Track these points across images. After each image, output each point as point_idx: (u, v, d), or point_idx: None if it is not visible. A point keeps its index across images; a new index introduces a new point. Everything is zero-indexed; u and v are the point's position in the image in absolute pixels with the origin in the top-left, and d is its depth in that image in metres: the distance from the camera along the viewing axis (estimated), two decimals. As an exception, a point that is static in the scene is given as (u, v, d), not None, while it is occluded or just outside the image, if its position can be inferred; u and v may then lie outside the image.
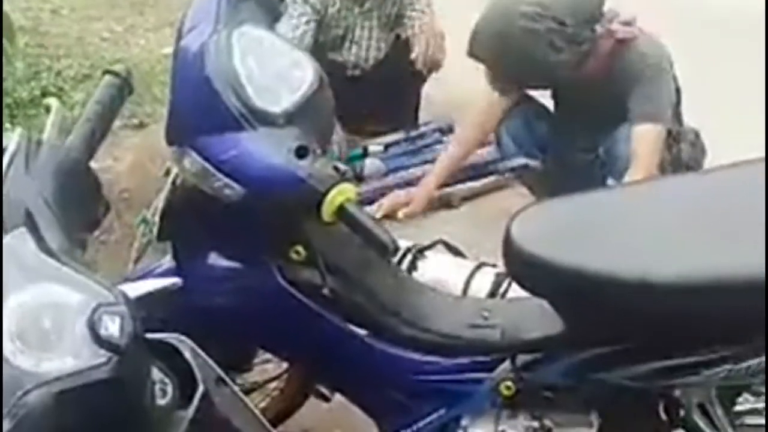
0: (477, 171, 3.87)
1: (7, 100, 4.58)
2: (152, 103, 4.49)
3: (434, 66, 3.97)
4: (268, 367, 2.50)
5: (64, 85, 4.92)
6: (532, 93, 3.36)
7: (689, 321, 1.76)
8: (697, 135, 3.34)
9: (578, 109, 3.14)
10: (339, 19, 4.00)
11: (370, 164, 4.00)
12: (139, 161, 4.00)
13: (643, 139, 2.97)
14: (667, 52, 3.08)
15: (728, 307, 1.72)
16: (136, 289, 1.37)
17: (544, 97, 3.39)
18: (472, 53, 3.04)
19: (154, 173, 3.80)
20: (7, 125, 3.94)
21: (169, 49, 5.23)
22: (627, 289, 1.75)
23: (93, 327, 1.20)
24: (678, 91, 3.20)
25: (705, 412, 1.92)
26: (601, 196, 2.22)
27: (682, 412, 1.94)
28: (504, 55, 2.97)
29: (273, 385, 2.55)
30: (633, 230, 1.85)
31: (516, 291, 2.59)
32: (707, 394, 1.91)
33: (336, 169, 1.73)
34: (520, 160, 3.39)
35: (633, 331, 1.84)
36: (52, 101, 1.68)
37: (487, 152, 3.68)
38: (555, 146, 3.35)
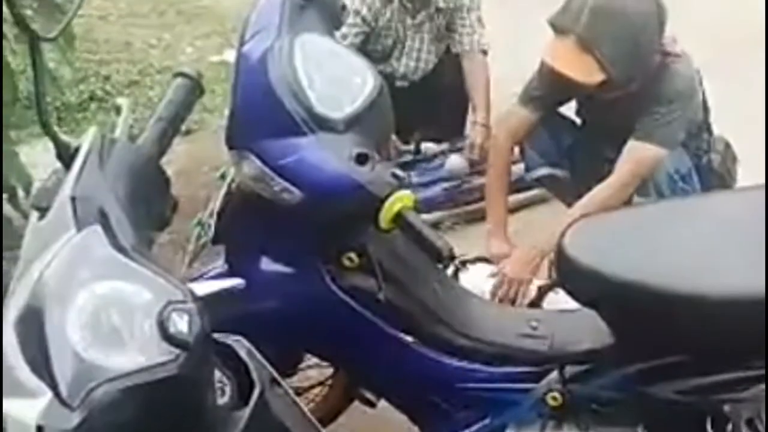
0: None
1: (55, 103, 4.65)
2: (200, 111, 4.52)
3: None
4: (310, 373, 2.51)
5: (112, 90, 4.99)
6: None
7: (740, 336, 1.76)
8: (727, 144, 3.33)
9: (605, 123, 3.10)
10: (389, 30, 4.00)
11: (453, 160, 4.00)
12: (187, 167, 4.04)
13: (631, 156, 2.92)
14: (697, 75, 3.05)
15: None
16: (202, 288, 1.39)
17: (569, 110, 3.37)
18: (558, 25, 2.93)
19: (202, 179, 3.87)
20: (55, 128, 3.98)
21: (216, 57, 5.35)
22: (678, 303, 1.76)
23: (162, 324, 1.23)
24: (705, 107, 3.18)
25: (753, 428, 1.91)
26: (651, 210, 2.23)
27: (730, 428, 1.93)
28: (607, 29, 2.81)
29: (316, 390, 2.57)
30: (684, 244, 1.85)
31: (551, 303, 2.62)
32: (757, 409, 1.90)
33: (395, 176, 1.74)
34: (546, 170, 3.39)
35: (683, 345, 1.84)
36: (123, 101, 1.71)
37: (518, 169, 3.68)
38: (581, 157, 3.33)
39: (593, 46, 2.80)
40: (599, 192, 2.91)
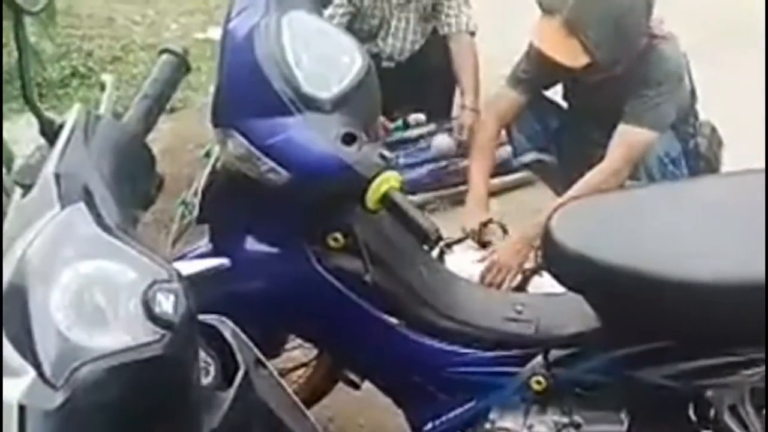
0: (493, 170, 3.87)
1: (37, 79, 4.60)
2: (184, 88, 4.49)
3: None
4: (294, 354, 2.51)
5: (94, 66, 4.95)
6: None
7: (725, 321, 1.76)
8: (713, 129, 3.36)
9: (591, 105, 3.10)
10: (375, 10, 3.98)
11: (441, 140, 3.99)
12: (172, 146, 4.02)
13: (622, 139, 2.92)
14: (685, 59, 3.05)
15: (764, 308, 1.72)
16: (186, 268, 1.38)
17: (555, 94, 3.37)
18: (545, 4, 2.88)
19: (186, 158, 3.85)
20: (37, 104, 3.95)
21: (201, 35, 5.32)
22: (664, 288, 1.76)
23: (147, 304, 1.21)
24: (693, 91, 3.19)
25: (736, 414, 1.92)
26: (640, 194, 2.23)
27: (712, 413, 1.94)
28: (593, 11, 2.82)
29: (300, 372, 2.56)
30: (671, 229, 1.85)
31: (536, 287, 2.62)
32: (739, 395, 1.90)
33: (382, 156, 1.73)
34: (534, 155, 3.38)
35: (668, 330, 1.84)
36: (108, 77, 1.69)
37: (505, 151, 3.68)
38: (568, 141, 3.33)
39: (579, 28, 2.80)
40: (591, 178, 2.90)
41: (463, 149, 3.87)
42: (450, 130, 4.01)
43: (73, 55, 5.02)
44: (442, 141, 3.97)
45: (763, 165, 1.98)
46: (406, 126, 4.06)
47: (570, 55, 2.84)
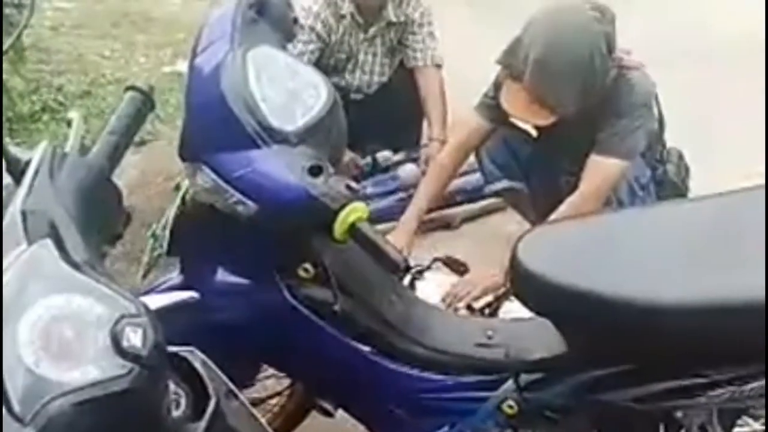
0: (465, 196, 3.94)
1: (7, 113, 4.61)
2: (154, 121, 4.50)
3: None
4: (268, 383, 2.51)
5: (65, 101, 4.94)
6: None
7: (692, 343, 1.77)
8: (680, 156, 3.39)
9: (561, 135, 3.10)
10: (342, 45, 4.03)
11: (407, 169, 4.01)
12: (142, 178, 4.02)
13: (594, 170, 2.94)
14: (653, 88, 3.07)
15: (730, 330, 1.74)
16: (155, 301, 1.39)
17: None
18: (508, 70, 2.94)
19: (157, 190, 3.86)
20: (7, 139, 3.96)
21: (169, 68, 5.34)
22: (630, 311, 1.77)
23: (116, 338, 1.22)
24: (661, 119, 3.22)
25: (706, 434, 1.94)
26: (606, 219, 2.24)
27: (682, 434, 1.96)
28: (553, 79, 2.84)
29: (274, 401, 2.56)
30: (637, 253, 1.87)
31: (508, 312, 2.64)
32: (708, 416, 1.93)
33: (349, 187, 1.75)
34: (505, 183, 3.41)
35: (636, 352, 1.85)
36: (74, 114, 1.70)
37: (476, 178, 3.71)
38: (538, 169, 3.35)
39: (542, 97, 2.83)
40: (565, 209, 2.91)
41: None
42: (416, 160, 4.05)
43: (43, 90, 5.01)
44: (409, 171, 4.00)
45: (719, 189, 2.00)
46: (375, 164, 4.09)
47: (537, 116, 2.90)
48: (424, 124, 4.12)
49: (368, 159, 4.07)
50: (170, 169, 3.72)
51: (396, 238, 2.97)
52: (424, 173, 3.85)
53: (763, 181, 2.01)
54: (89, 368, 1.21)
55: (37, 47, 5.47)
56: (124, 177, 3.82)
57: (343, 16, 3.95)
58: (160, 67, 5.43)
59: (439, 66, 4.05)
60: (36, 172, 1.43)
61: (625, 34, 2.97)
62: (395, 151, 4.14)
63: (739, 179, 2.13)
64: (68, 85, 5.11)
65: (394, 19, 4.00)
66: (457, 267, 2.80)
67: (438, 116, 3.95)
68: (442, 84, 4.04)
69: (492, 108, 3.12)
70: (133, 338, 1.22)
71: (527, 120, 2.96)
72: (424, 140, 4.14)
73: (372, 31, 4.02)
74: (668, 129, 3.30)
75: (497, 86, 3.07)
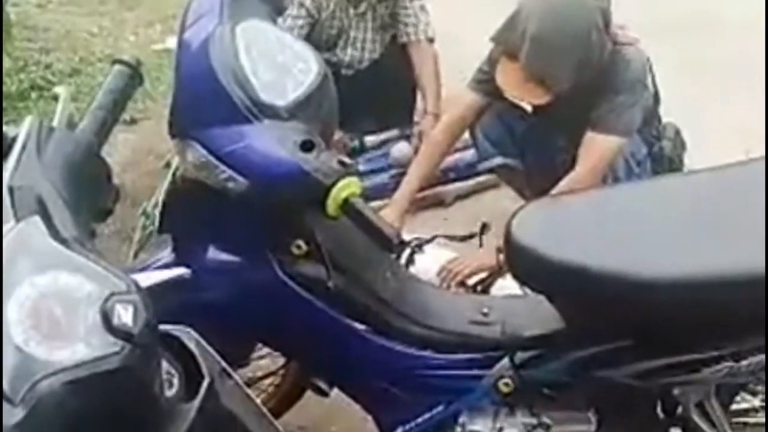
0: (458, 173, 3.91)
1: (-6, 92, 4.57)
2: (144, 99, 4.47)
3: None
4: (262, 363, 2.50)
5: (53, 78, 4.90)
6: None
7: (688, 319, 1.77)
8: (677, 131, 3.38)
9: (556, 111, 3.08)
10: (333, 20, 4.00)
11: (399, 147, 3.99)
12: (133, 156, 4.00)
13: (591, 147, 2.92)
14: (649, 64, 3.06)
15: (727, 305, 1.73)
16: (147, 279, 1.36)
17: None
18: (503, 47, 2.92)
19: (148, 169, 3.84)
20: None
21: (159, 45, 5.30)
22: (626, 286, 1.76)
23: (106, 315, 1.20)
24: (656, 94, 3.20)
25: (703, 411, 1.94)
26: (600, 194, 2.23)
27: (680, 410, 1.95)
28: (550, 56, 2.82)
29: (268, 381, 2.55)
30: (632, 228, 1.86)
31: (501, 288, 2.63)
32: (706, 392, 1.92)
33: (341, 162, 1.73)
34: (499, 160, 3.39)
35: (632, 328, 1.85)
36: (61, 89, 1.67)
37: (469, 154, 3.69)
38: (533, 146, 3.34)
39: (538, 75, 2.81)
40: (563, 187, 2.88)
41: None
42: (409, 137, 4.03)
43: (31, 68, 4.97)
44: (401, 149, 3.98)
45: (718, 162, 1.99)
46: (362, 146, 4.06)
47: (533, 95, 2.88)
48: (417, 102, 4.11)
49: (356, 142, 4.05)
50: (161, 148, 3.69)
51: (387, 215, 2.95)
52: (417, 150, 3.84)
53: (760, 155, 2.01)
54: (79, 347, 1.19)
55: (24, 25, 5.42)
56: (115, 156, 3.83)
57: None
58: (149, 45, 5.38)
59: (431, 40, 4.02)
60: (23, 148, 1.41)
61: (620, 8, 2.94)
62: (387, 128, 4.11)
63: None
64: (57, 63, 5.06)
65: None
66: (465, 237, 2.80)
67: (432, 90, 3.94)
68: (436, 58, 4.01)
69: (486, 83, 3.10)
70: (124, 316, 1.20)
71: (523, 98, 2.94)
72: (417, 118, 4.11)
73: (362, 6, 4.00)
74: (663, 103, 3.28)
75: (492, 62, 3.05)
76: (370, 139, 4.08)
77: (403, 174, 3.78)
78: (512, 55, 2.85)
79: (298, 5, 3.87)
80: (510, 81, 2.90)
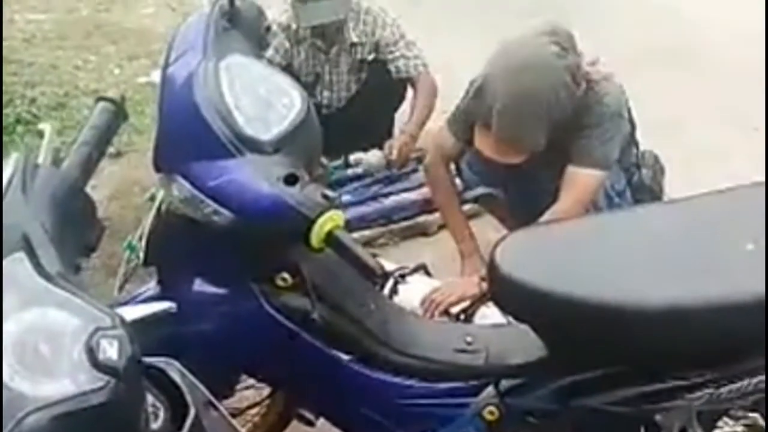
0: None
1: (-20, 127, 4.57)
2: (130, 132, 4.47)
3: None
4: (247, 393, 2.50)
5: (39, 113, 4.90)
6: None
7: (671, 346, 1.79)
8: (656, 158, 3.38)
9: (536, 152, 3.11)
10: (308, 67, 4.08)
11: (373, 154, 4.04)
12: (118, 190, 4.00)
13: (573, 181, 2.91)
14: (624, 96, 3.06)
15: (709, 333, 1.75)
16: (132, 312, 1.37)
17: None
18: (476, 117, 2.93)
19: (133, 202, 3.84)
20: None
21: (144, 78, 5.31)
22: (608, 316, 1.77)
23: (91, 351, 1.20)
24: (632, 123, 3.20)
25: (686, 436, 1.94)
26: (584, 223, 2.25)
27: (663, 436, 1.96)
28: (519, 126, 2.80)
29: (254, 411, 2.55)
30: (615, 257, 1.87)
31: (484, 317, 2.63)
32: (688, 418, 1.93)
33: (325, 196, 1.74)
34: (482, 190, 3.40)
35: (615, 356, 1.86)
36: (46, 126, 1.68)
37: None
38: (515, 179, 3.33)
39: (511, 143, 2.83)
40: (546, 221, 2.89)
41: (391, 168, 4.02)
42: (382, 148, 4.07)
43: (16, 102, 4.97)
44: (372, 156, 4.03)
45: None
46: (347, 165, 4.08)
47: (509, 157, 2.87)
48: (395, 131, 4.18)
49: (339, 161, 4.07)
50: (147, 181, 3.69)
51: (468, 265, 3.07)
52: (388, 162, 3.92)
53: (736, 183, 2.03)
54: (65, 382, 1.19)
55: (9, 59, 5.42)
56: (100, 188, 3.83)
57: (300, 41, 4.02)
58: (134, 78, 5.39)
59: (425, 66, 4.08)
60: (8, 185, 1.42)
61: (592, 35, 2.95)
62: (365, 150, 4.13)
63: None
64: (42, 97, 5.06)
65: (356, 40, 4.02)
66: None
67: (418, 116, 4.00)
68: (433, 89, 4.08)
69: (461, 123, 3.11)
70: (109, 351, 1.21)
71: (500, 160, 2.94)
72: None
73: (334, 51, 4.06)
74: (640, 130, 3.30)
75: (466, 110, 3.05)
76: (354, 156, 4.10)
77: (376, 182, 3.93)
78: (485, 125, 2.86)
79: (273, 51, 3.93)
80: (486, 146, 2.88)
